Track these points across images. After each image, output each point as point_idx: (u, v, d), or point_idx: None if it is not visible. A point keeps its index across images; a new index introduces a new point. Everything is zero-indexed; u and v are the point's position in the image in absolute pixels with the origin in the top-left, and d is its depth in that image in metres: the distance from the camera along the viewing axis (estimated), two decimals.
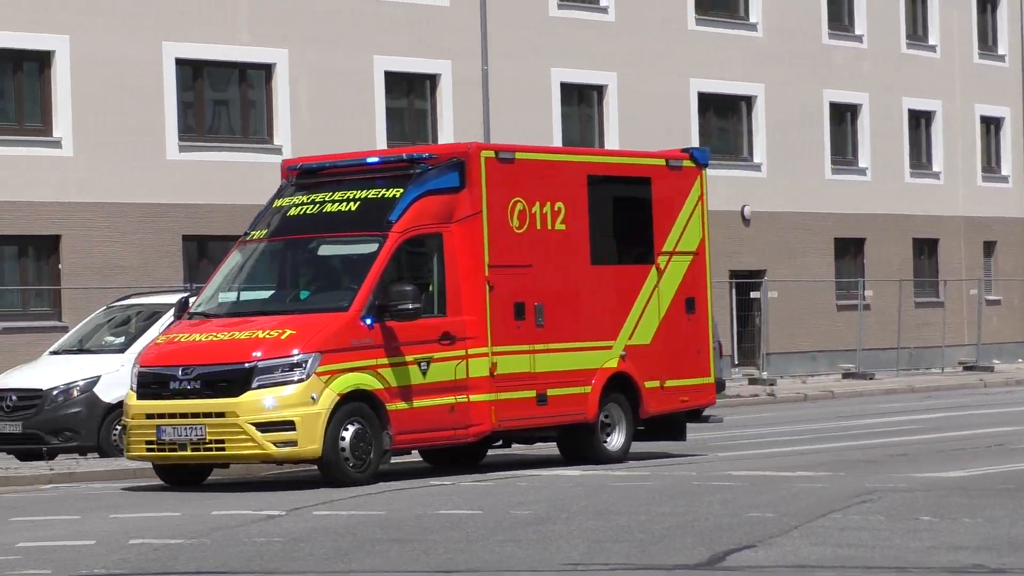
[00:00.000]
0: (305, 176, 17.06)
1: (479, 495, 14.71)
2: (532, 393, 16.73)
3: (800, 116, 40.56)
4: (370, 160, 17.20)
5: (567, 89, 36.44)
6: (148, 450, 15.49)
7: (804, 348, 40.20)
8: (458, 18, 34.24)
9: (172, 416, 15.29)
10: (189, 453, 15.32)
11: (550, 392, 16.88)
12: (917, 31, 44.24)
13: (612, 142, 36.94)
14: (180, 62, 30.93)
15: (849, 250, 42.57)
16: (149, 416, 15.40)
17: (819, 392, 35.15)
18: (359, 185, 16.50)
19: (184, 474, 16.08)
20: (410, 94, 34.58)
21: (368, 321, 15.54)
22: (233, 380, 15.30)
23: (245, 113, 32.26)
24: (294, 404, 15.21)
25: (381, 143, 32.01)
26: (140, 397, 15.62)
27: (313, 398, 15.23)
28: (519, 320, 16.66)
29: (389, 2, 33.55)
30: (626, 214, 18.20)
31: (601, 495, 14.53)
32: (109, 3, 29.84)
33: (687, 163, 18.58)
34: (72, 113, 29.59)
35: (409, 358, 15.82)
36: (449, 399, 16.09)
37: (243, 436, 15.08)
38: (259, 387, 15.21)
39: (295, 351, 15.34)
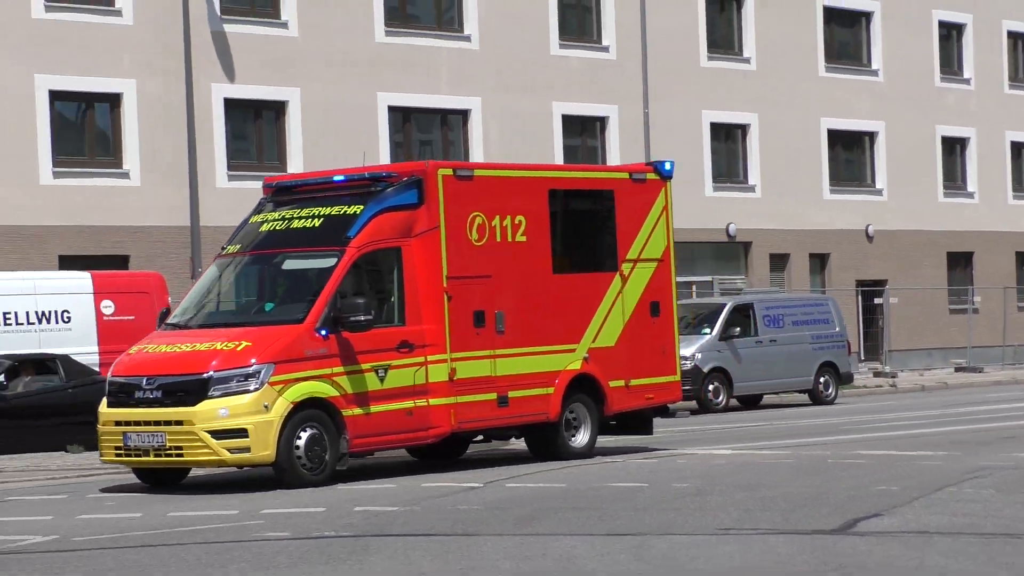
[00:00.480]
0: (280, 193, 15.81)
1: (645, 471, 14.59)
2: (493, 396, 15.33)
3: (916, 148, 39.73)
4: (336, 179, 15.55)
5: (716, 128, 36.06)
6: (117, 455, 14.41)
7: (921, 346, 39.26)
8: (624, 68, 34.11)
9: (137, 424, 14.16)
10: (152, 459, 14.13)
11: (511, 394, 15.43)
12: (1018, 74, 43.00)
13: (754, 173, 36.49)
14: (392, 109, 31.15)
15: (960, 262, 41.48)
16: (117, 423, 14.33)
17: (935, 384, 34.08)
18: (325, 203, 15.15)
19: (160, 475, 14.87)
20: (583, 134, 34.51)
21: (323, 332, 14.22)
22: (190, 390, 14.04)
23: (446, 152, 32.44)
24: (247, 413, 13.88)
25: None
26: (110, 405, 14.49)
27: (266, 407, 13.90)
28: (479, 327, 15.23)
29: (566, 55, 33.47)
30: (588, 225, 16.90)
31: (748, 471, 14.25)
32: (338, 58, 30.11)
33: (651, 176, 17.08)
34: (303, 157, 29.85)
35: (366, 366, 14.46)
36: (408, 403, 14.71)
37: (199, 443, 13.85)
38: (215, 396, 13.90)
39: (251, 362, 14.03)
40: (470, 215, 15.32)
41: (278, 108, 30.14)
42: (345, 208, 14.99)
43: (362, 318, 14.19)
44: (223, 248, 15.75)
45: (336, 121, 29.89)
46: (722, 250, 36.60)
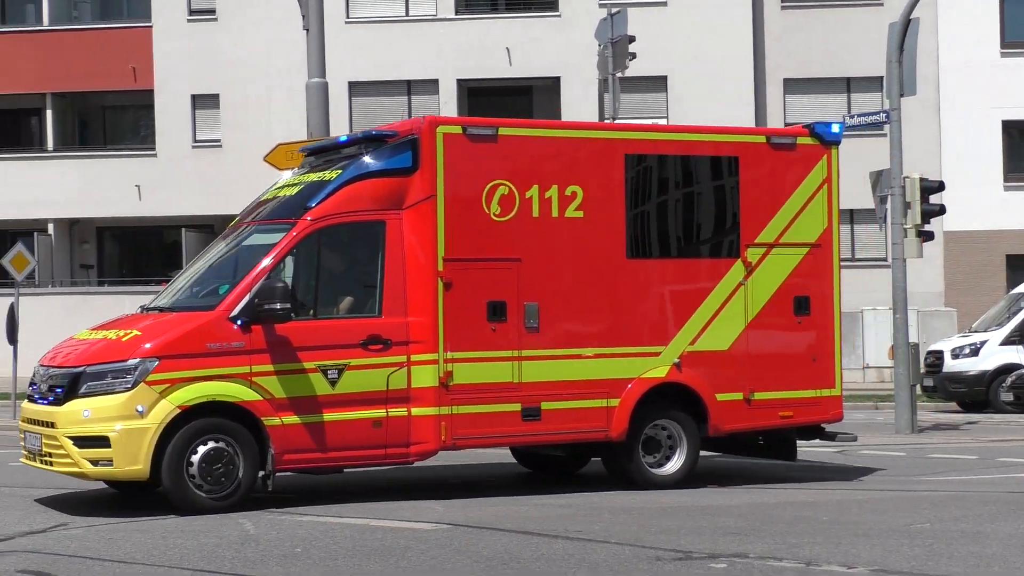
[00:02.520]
0: (306, 158, 13.10)
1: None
2: (516, 407, 11.97)
3: None
4: (341, 139, 12.71)
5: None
6: (26, 456, 11.75)
7: None
8: None
9: (26, 421, 11.73)
10: (39, 464, 11.43)
11: (545, 405, 12.06)
12: None
13: None
14: None
15: None
16: (24, 420, 11.88)
17: None
18: (323, 167, 12.29)
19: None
20: None
21: (240, 322, 11.07)
22: (65, 387, 11.18)
23: None
24: (112, 417, 10.86)
25: None
26: (28, 398, 11.98)
27: (139, 411, 10.81)
28: (496, 322, 11.92)
29: None
30: (692, 199, 12.99)
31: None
32: None
33: (806, 140, 13.13)
34: None
35: (309, 365, 11.29)
36: (376, 412, 11.49)
37: (62, 451, 11.02)
38: (84, 395, 10.96)
39: (130, 355, 10.99)
40: (489, 184, 11.99)
41: None
42: (325, 173, 12.10)
43: (277, 306, 11.04)
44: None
45: None
46: None
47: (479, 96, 31.95)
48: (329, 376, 11.35)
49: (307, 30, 18.06)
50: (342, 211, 11.68)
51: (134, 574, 8.44)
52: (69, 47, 32.88)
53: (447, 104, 30.94)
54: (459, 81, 31.22)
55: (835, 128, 13.22)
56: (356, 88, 31.04)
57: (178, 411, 10.86)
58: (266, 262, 11.38)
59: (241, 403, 11.06)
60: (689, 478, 12.51)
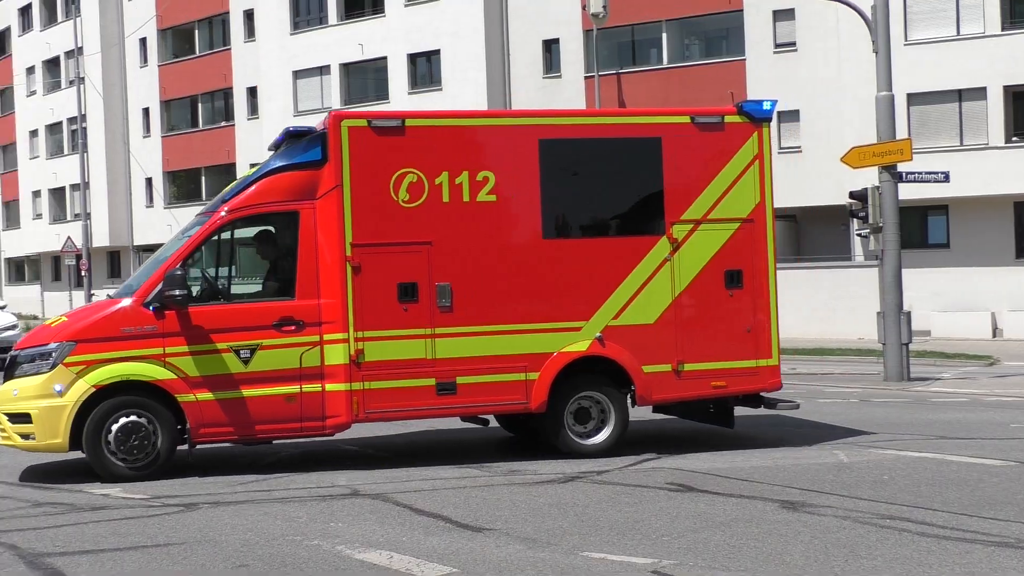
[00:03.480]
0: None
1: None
2: (430, 381, 12.28)
3: None
4: (278, 138, 13.00)
5: None
6: None
7: None
8: None
9: None
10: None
11: (460, 380, 12.35)
12: None
13: None
14: None
15: None
16: None
17: None
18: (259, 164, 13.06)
19: None
20: None
21: (153, 308, 11.81)
22: (7, 369, 12.20)
23: None
24: (34, 396, 11.74)
25: None
26: None
27: (57, 390, 11.69)
28: (406, 302, 12.24)
29: None
30: (614, 181, 12.89)
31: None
32: None
33: (735, 119, 13.01)
34: None
35: (222, 346, 11.87)
36: (289, 388, 11.98)
37: (2, 426, 11.98)
38: (17, 376, 11.98)
39: (51, 340, 11.94)
40: (397, 172, 12.30)
41: None
42: (252, 170, 12.84)
43: (176, 293, 11.72)
44: None
45: None
46: None
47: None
48: (242, 356, 11.82)
49: (876, 52, 21.23)
50: (256, 203, 12.16)
51: (759, 491, 10.15)
52: (680, 80, 38.93)
53: (994, 108, 33.34)
54: (1005, 88, 33.28)
55: (765, 106, 13.10)
56: (914, 99, 33.96)
57: (93, 390, 11.61)
58: (177, 252, 12.03)
59: (155, 382, 11.69)
60: (617, 447, 12.63)
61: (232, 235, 12.43)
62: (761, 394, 13.21)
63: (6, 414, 11.85)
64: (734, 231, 12.94)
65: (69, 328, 12.00)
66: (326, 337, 12.07)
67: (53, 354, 11.74)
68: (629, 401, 12.91)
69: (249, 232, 12.64)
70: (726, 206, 12.94)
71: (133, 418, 11.77)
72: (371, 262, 12.21)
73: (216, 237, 12.28)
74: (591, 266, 12.68)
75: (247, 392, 11.92)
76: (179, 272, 11.75)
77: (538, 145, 12.59)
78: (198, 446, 12.21)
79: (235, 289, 12.51)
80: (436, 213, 12.36)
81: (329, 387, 12.07)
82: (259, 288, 12.62)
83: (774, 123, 35.11)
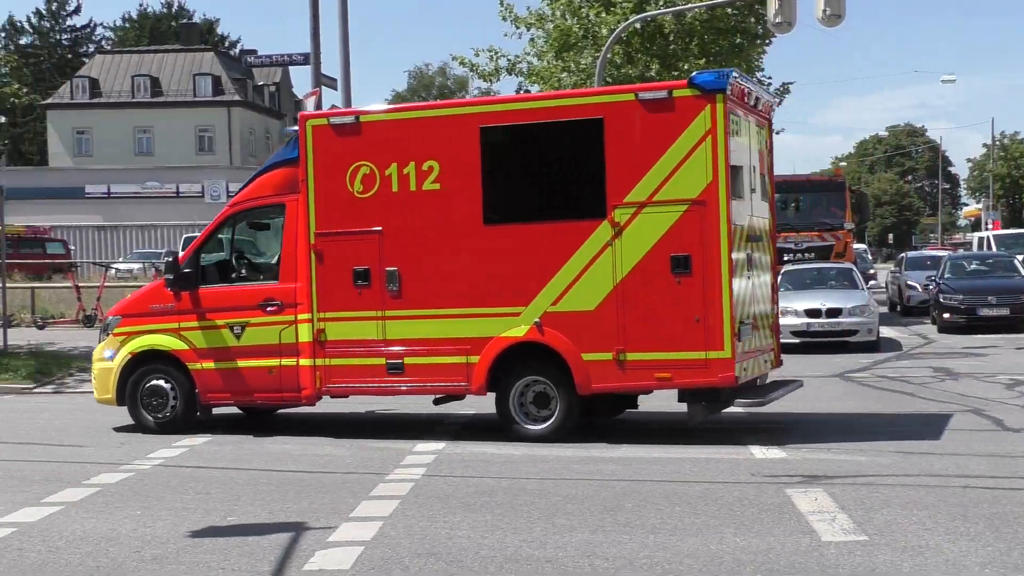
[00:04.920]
0: None
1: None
2: (381, 360, 13.29)
3: None
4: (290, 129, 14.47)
5: None
6: None
7: None
8: None
9: None
10: None
11: (408, 360, 13.18)
12: None
13: None
14: None
15: None
16: None
17: None
18: None
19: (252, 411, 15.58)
20: None
21: (172, 288, 14.29)
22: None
23: None
24: (96, 359, 14.90)
25: None
26: None
27: (108, 355, 14.65)
28: (361, 286, 13.31)
29: None
30: (551, 164, 12.92)
31: None
32: None
33: (683, 93, 12.33)
34: None
35: (220, 322, 13.98)
36: (270, 362, 13.72)
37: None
38: (100, 341, 15.24)
39: (111, 314, 15.21)
40: (352, 165, 13.40)
41: None
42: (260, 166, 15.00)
43: (169, 276, 14.36)
44: None
45: None
46: None
47: None
48: (235, 331, 13.93)
49: None
50: (252, 197, 14.11)
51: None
52: None
53: None
54: None
55: (719, 75, 12.39)
56: None
57: (130, 356, 14.45)
58: (194, 242, 14.51)
59: (172, 351, 14.25)
60: (563, 433, 12.85)
61: (232, 226, 14.38)
62: (718, 389, 12.45)
63: (92, 372, 15.11)
64: (682, 214, 12.29)
65: (119, 304, 15.15)
66: (300, 317, 13.59)
67: (109, 326, 14.77)
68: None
69: (250, 222, 14.45)
70: (673, 187, 12.32)
71: (159, 381, 14.32)
72: (331, 249, 13.48)
73: (223, 227, 14.37)
74: (531, 252, 12.76)
75: (240, 363, 13.92)
76: (171, 259, 14.36)
77: (479, 132, 12.95)
78: (214, 411, 14.72)
79: (234, 273, 14.39)
80: (386, 202, 13.25)
81: (302, 362, 13.62)
82: (253, 272, 14.43)
83: None
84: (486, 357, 12.89)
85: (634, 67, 31.34)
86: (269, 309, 13.75)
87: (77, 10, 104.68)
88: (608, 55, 27.00)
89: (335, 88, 23.75)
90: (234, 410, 15.36)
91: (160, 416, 14.33)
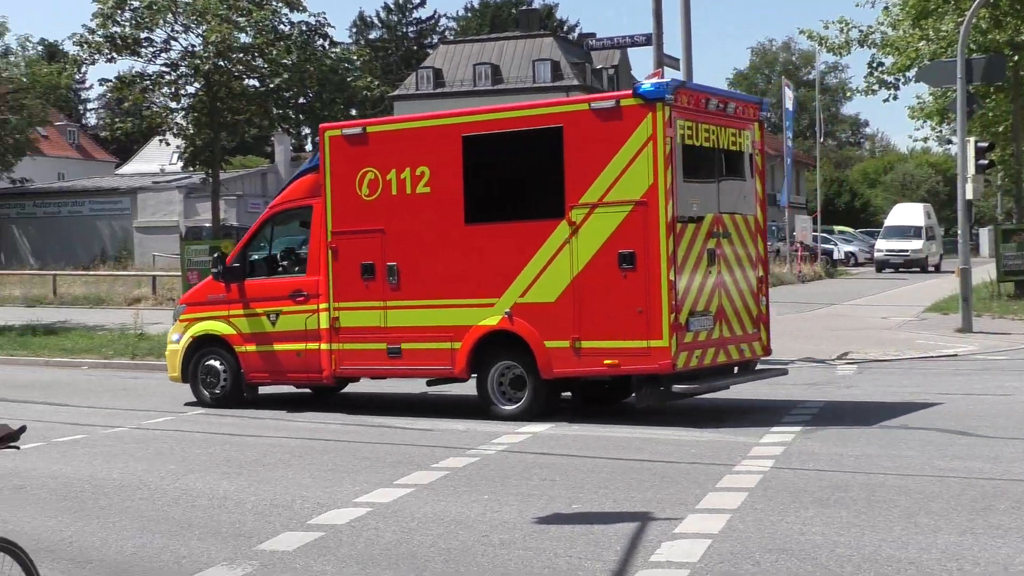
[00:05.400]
0: None
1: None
2: (383, 346, 15.15)
3: None
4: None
5: None
6: None
7: None
8: None
9: None
10: None
11: (404, 346, 14.98)
12: None
13: None
14: None
15: None
16: None
17: None
18: None
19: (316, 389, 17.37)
20: None
21: (223, 281, 16.49)
22: None
23: None
24: (168, 342, 17.31)
25: None
26: None
27: (175, 339, 16.97)
28: (367, 279, 15.19)
29: None
30: (520, 168, 14.45)
31: None
32: None
33: (629, 102, 13.54)
34: None
35: (260, 311, 16.15)
36: (298, 346, 15.81)
37: None
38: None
39: (180, 302, 17.73)
40: (360, 171, 15.29)
41: None
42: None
43: (214, 270, 16.65)
44: None
45: None
46: None
47: None
48: (271, 319, 16.05)
49: None
50: (288, 199, 16.32)
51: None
52: None
53: None
54: None
55: (660, 86, 13.53)
56: None
57: (191, 339, 16.74)
58: (243, 239, 16.76)
59: (223, 336, 16.46)
60: (532, 414, 14.24)
61: (271, 226, 16.58)
62: (659, 376, 13.64)
63: (165, 354, 17.77)
64: (627, 213, 13.55)
65: (186, 293, 17.84)
66: (320, 307, 15.63)
67: (177, 312, 17.21)
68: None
69: (281, 223, 16.70)
70: (620, 189, 13.59)
71: (213, 362, 16.56)
72: (344, 246, 15.42)
73: (265, 227, 16.59)
74: (503, 248, 14.32)
75: (276, 347, 16.02)
76: (217, 254, 16.83)
77: (461, 141, 14.58)
78: (259, 390, 16.82)
79: (278, 266, 16.45)
80: (387, 204, 15.08)
81: (322, 347, 15.61)
82: (290, 266, 16.37)
83: None
84: (466, 344, 14.56)
85: (1002, 32, 29.65)
86: (298, 299, 15.82)
87: (422, 3, 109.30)
88: (973, 20, 25.59)
89: (677, 68, 23.66)
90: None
91: (215, 392, 16.59)
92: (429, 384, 15.93)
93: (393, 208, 15.05)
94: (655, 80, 13.94)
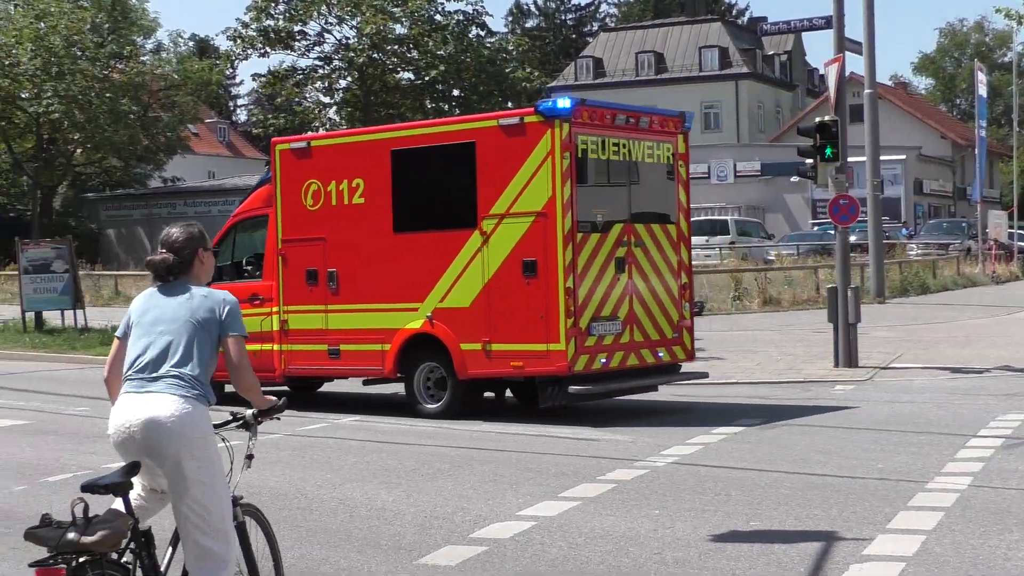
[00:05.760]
0: None
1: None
2: (324, 347, 16.77)
3: None
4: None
5: None
6: None
7: None
8: None
9: None
10: None
11: (343, 347, 16.64)
12: None
13: None
14: None
15: None
16: None
17: None
18: None
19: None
20: None
21: None
22: None
23: None
24: None
25: None
26: None
27: None
28: (311, 284, 16.84)
29: None
30: (439, 181, 16.10)
31: None
32: None
33: (532, 119, 15.01)
34: None
35: None
36: (254, 347, 15.63)
37: None
38: None
39: None
40: (305, 183, 16.89)
41: None
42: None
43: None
44: None
45: None
46: None
47: None
48: None
49: None
50: (249, 208, 17.95)
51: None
52: None
53: None
54: None
55: (559, 104, 14.83)
56: None
57: None
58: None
59: None
60: (452, 412, 15.82)
61: (234, 233, 18.09)
62: (559, 378, 15.04)
63: None
64: (530, 224, 15.05)
65: None
66: (273, 310, 17.10)
67: None
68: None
69: (242, 231, 18.13)
70: (524, 201, 15.07)
71: None
72: (292, 253, 17.04)
73: (229, 233, 18.12)
74: (425, 256, 15.85)
75: None
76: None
77: (390, 155, 16.21)
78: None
79: (240, 271, 17.77)
80: (328, 214, 16.72)
81: (275, 348, 17.03)
82: (248, 271, 17.80)
83: None
84: (394, 346, 16.13)
85: None
86: (255, 302, 17.01)
87: None
88: None
89: (859, 53, 23.18)
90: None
91: None
92: (365, 384, 17.62)
93: (333, 218, 16.73)
94: (558, 96, 15.20)
